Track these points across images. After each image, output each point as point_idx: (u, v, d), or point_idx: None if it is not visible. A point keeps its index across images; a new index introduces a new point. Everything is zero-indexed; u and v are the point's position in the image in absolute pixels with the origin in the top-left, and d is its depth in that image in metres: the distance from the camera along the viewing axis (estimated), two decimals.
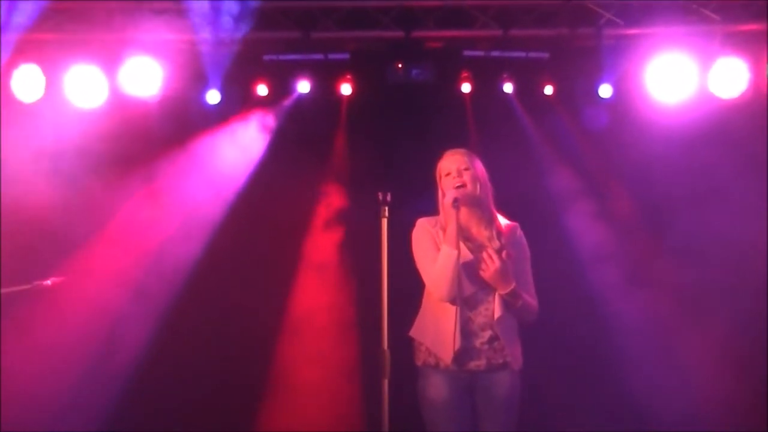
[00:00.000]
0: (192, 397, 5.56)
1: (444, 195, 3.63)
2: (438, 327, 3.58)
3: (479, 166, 3.68)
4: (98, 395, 5.34)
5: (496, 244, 3.60)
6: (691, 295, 5.40)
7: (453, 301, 3.50)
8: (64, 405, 5.21)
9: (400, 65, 5.63)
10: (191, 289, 5.62)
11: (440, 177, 3.67)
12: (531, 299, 3.67)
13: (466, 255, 3.55)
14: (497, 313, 3.54)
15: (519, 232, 3.73)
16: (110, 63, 5.32)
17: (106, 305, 5.37)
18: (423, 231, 3.67)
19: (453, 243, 3.49)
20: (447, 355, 3.54)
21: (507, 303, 3.56)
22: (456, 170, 3.61)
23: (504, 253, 3.52)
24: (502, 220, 3.72)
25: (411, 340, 3.71)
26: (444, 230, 3.59)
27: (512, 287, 3.54)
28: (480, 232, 3.64)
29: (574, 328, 5.53)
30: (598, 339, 5.60)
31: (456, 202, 3.50)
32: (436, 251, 3.57)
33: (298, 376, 5.72)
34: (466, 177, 3.60)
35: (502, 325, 3.57)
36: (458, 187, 3.57)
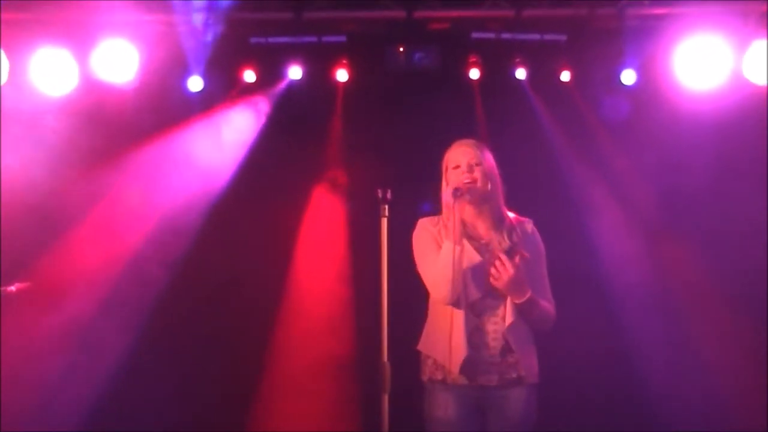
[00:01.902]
0: (177, 406, 5.53)
1: (449, 185, 3.58)
2: (445, 336, 3.52)
3: (490, 160, 3.64)
4: (79, 398, 5.32)
5: (506, 244, 3.56)
6: (725, 302, 5.35)
7: (456, 304, 3.47)
8: (48, 405, 5.25)
9: (401, 49, 5.64)
10: (174, 291, 5.59)
11: (446, 168, 3.63)
12: (548, 305, 3.63)
13: (474, 257, 3.51)
14: (509, 319, 3.50)
15: (531, 227, 3.69)
16: (81, 46, 5.26)
17: (81, 308, 5.32)
18: (423, 231, 3.64)
19: (454, 237, 3.45)
20: (454, 366, 3.49)
21: (522, 311, 3.51)
22: (466, 164, 3.57)
23: (517, 258, 3.47)
24: (513, 217, 3.68)
25: (418, 353, 3.67)
26: (446, 228, 3.55)
27: (528, 296, 3.50)
28: (488, 233, 3.60)
29: (594, 335, 5.49)
30: (619, 347, 5.58)
31: (457, 192, 3.46)
32: (437, 252, 3.53)
33: (291, 388, 5.72)
34: (477, 173, 3.56)
35: (515, 333, 3.52)
36: (466, 183, 3.53)
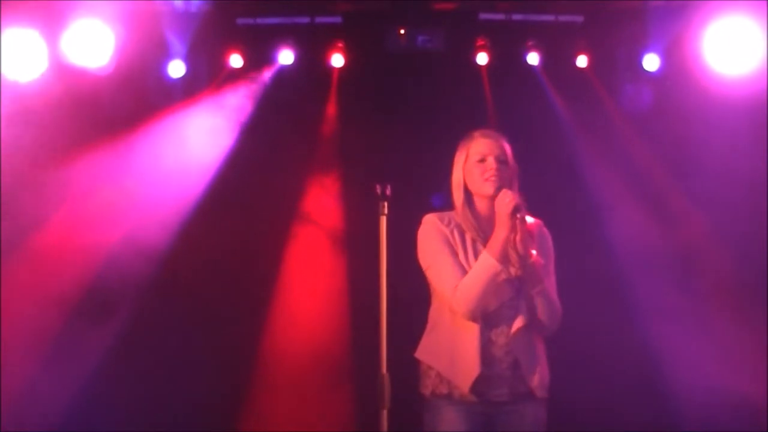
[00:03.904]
0: (166, 414, 5.56)
1: (465, 182, 3.56)
2: (455, 348, 3.51)
3: (511, 155, 3.61)
4: (61, 398, 5.35)
5: (521, 249, 3.52)
6: (757, 306, 5.34)
7: (476, 319, 3.46)
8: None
9: (402, 31, 5.62)
10: (156, 292, 5.60)
11: (466, 159, 3.58)
12: (556, 298, 3.62)
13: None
14: (516, 324, 3.49)
15: (542, 227, 3.67)
16: (51, 26, 5.24)
17: (57, 306, 5.32)
18: (433, 229, 3.58)
19: (497, 253, 3.42)
20: (465, 383, 3.47)
21: (530, 304, 3.49)
22: (495, 159, 3.52)
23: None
24: (527, 218, 3.66)
25: (417, 363, 3.64)
26: (462, 230, 3.54)
27: (533, 259, 3.47)
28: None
29: (613, 345, 5.52)
30: (640, 357, 5.60)
31: (517, 209, 3.41)
32: (451, 255, 3.51)
33: (282, 401, 5.75)
34: (505, 172, 3.52)
35: (522, 342, 3.51)
36: (491, 180, 3.48)
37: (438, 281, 3.54)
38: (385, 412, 3.23)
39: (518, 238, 3.44)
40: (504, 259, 3.43)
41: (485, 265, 3.43)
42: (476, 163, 3.55)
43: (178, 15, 5.42)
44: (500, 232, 3.43)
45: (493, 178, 3.49)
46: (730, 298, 5.46)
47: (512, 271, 3.51)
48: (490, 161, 3.52)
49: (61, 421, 5.32)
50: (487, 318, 3.48)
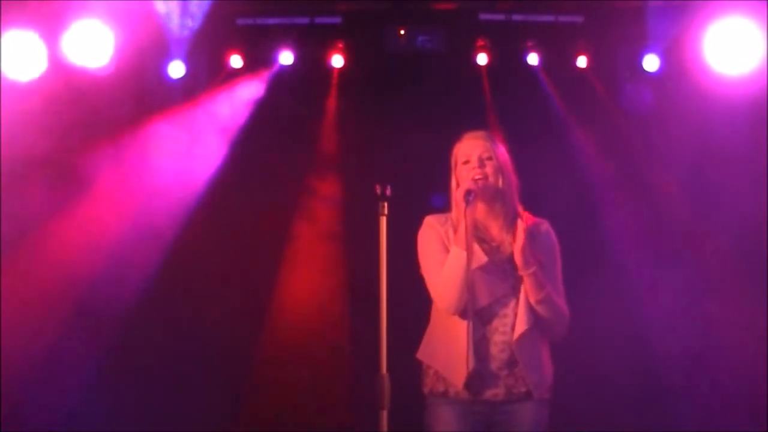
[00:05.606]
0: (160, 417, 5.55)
1: (458, 185, 3.57)
2: (449, 346, 3.52)
3: (503, 154, 3.62)
4: (57, 397, 5.37)
5: (520, 257, 3.52)
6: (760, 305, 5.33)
7: (463, 315, 3.47)
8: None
9: (402, 31, 5.61)
10: (154, 294, 5.59)
11: (456, 164, 3.61)
12: (561, 302, 3.60)
13: (482, 258, 3.50)
14: (519, 329, 3.48)
15: (547, 228, 3.67)
16: (51, 27, 5.23)
17: (56, 306, 5.32)
18: (430, 230, 3.62)
19: (463, 243, 3.45)
20: (458, 380, 3.48)
21: (536, 307, 3.48)
22: (477, 159, 3.55)
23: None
24: (528, 218, 3.66)
25: (418, 363, 3.66)
26: (455, 229, 3.54)
27: (533, 269, 3.47)
28: (500, 234, 3.60)
29: (614, 344, 5.51)
30: (642, 356, 5.60)
31: (469, 195, 3.45)
32: (443, 254, 3.53)
33: (281, 402, 5.76)
34: (489, 168, 3.55)
35: (524, 344, 3.51)
36: (477, 180, 3.52)
37: (427, 281, 3.58)
38: (384, 413, 3.23)
39: (518, 246, 3.45)
40: (470, 246, 3.44)
41: (453, 257, 3.47)
42: (462, 165, 3.59)
43: (178, 15, 5.41)
44: (461, 221, 3.48)
45: (476, 177, 3.52)
46: (733, 298, 5.45)
47: (497, 260, 3.51)
48: (473, 161, 3.55)
49: (61, 421, 5.32)
50: (479, 314, 3.49)
